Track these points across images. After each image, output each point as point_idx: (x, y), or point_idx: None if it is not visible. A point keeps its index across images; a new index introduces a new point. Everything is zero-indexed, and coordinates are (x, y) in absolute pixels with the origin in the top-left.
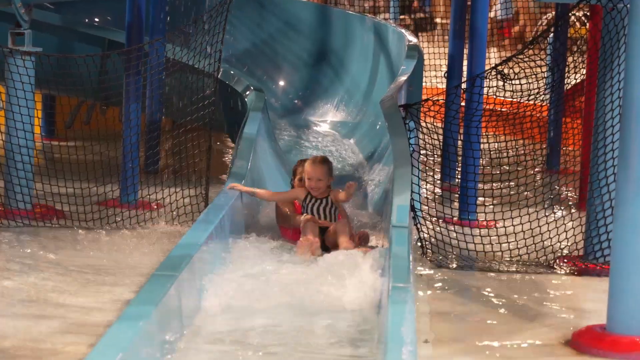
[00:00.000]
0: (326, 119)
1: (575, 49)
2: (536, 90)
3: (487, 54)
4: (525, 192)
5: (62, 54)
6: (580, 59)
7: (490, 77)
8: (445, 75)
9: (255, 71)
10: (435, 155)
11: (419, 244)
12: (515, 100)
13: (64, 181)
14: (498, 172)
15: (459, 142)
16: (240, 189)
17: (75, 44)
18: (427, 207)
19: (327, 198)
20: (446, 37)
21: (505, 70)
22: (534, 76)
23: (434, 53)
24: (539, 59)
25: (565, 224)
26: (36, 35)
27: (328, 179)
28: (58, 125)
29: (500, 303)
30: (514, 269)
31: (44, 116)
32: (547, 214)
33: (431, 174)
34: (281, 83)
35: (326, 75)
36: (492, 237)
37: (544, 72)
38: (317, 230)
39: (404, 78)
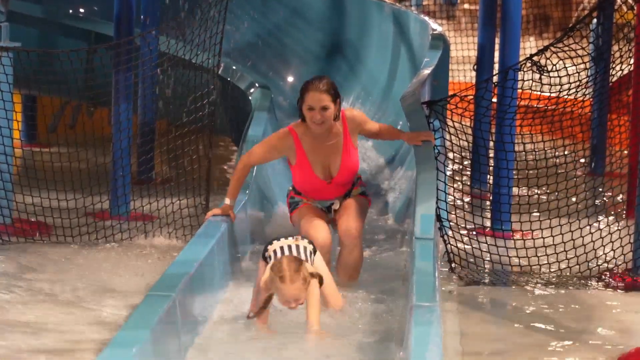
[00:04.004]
0: None
1: (621, 37)
2: (577, 84)
3: (521, 44)
4: (566, 199)
5: (44, 50)
6: (627, 47)
7: (525, 69)
8: (474, 67)
9: (260, 66)
10: (464, 158)
11: (447, 257)
12: (553, 95)
13: (47, 192)
14: (535, 176)
15: (491, 143)
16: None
17: (59, 37)
18: (454, 217)
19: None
20: (475, 25)
21: (542, 61)
22: (574, 68)
23: (462, 43)
24: (580, 48)
25: (611, 234)
26: (14, 28)
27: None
28: (40, 129)
29: (539, 322)
30: (553, 284)
31: (24, 119)
32: (590, 222)
33: (459, 179)
34: (289, 79)
35: (340, 70)
36: (528, 249)
37: (586, 62)
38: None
39: (427, 71)
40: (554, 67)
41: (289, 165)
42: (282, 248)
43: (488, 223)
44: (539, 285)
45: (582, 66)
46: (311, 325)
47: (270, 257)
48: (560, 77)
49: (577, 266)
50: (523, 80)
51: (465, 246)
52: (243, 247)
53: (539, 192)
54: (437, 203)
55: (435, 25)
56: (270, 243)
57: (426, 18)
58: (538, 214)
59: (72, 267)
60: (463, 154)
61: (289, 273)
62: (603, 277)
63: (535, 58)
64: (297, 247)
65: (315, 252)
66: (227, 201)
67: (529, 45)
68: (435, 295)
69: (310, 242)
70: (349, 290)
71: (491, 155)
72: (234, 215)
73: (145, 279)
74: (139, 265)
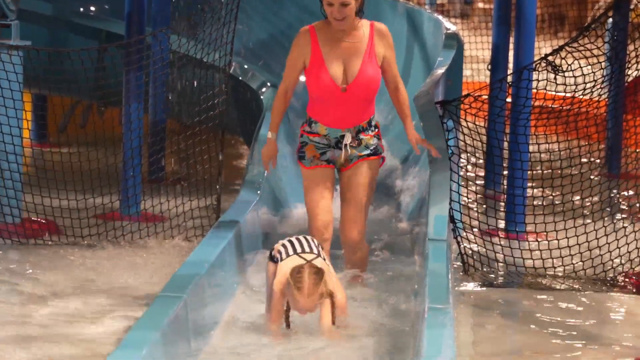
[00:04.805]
0: None
1: (637, 36)
2: (592, 84)
3: (536, 43)
4: (581, 200)
5: (54, 49)
6: None
7: (539, 69)
8: (489, 67)
9: (272, 65)
10: (478, 159)
11: (460, 259)
12: (568, 95)
13: (57, 192)
14: (549, 177)
15: (505, 144)
16: None
17: (69, 36)
18: (468, 218)
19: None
20: (489, 24)
21: (557, 61)
22: (589, 67)
23: (476, 42)
24: (595, 47)
25: (627, 235)
26: (24, 27)
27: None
28: (50, 129)
29: (553, 325)
30: (569, 287)
31: (34, 119)
32: (606, 224)
33: (473, 179)
34: (301, 78)
35: None
36: (543, 251)
37: (601, 62)
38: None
39: (441, 71)
40: (569, 67)
41: (304, 72)
42: (291, 241)
43: (502, 224)
44: (554, 287)
45: (597, 66)
46: (325, 325)
47: (276, 256)
48: (575, 77)
49: (592, 268)
50: (538, 80)
51: (479, 247)
52: (254, 248)
53: (553, 193)
54: (450, 204)
55: (449, 24)
56: (276, 243)
57: (440, 17)
58: (552, 215)
59: (82, 268)
60: (477, 154)
61: (308, 286)
62: (619, 279)
63: (550, 58)
64: (307, 239)
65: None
66: (270, 135)
67: (543, 45)
68: (448, 298)
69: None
70: (360, 292)
71: (505, 155)
72: (276, 148)
73: (156, 279)
74: (149, 266)
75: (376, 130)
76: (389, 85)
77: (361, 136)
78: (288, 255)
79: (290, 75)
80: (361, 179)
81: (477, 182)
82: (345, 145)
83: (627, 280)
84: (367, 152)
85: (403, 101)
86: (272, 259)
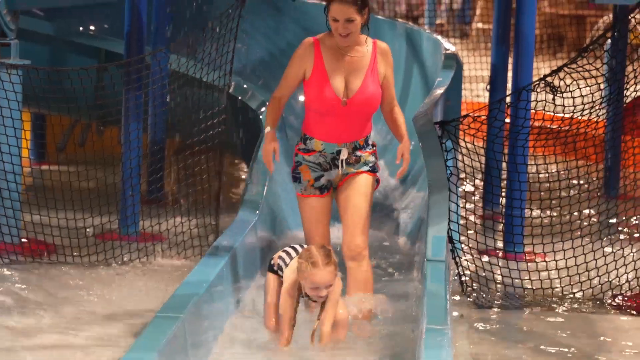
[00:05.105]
0: None
1: (635, 57)
2: (591, 105)
3: (535, 64)
4: (580, 221)
5: (54, 67)
6: None
7: (538, 90)
8: (488, 87)
9: (271, 85)
10: (476, 179)
11: (458, 280)
12: (567, 115)
13: (56, 211)
14: (548, 198)
15: (503, 164)
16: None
17: (69, 55)
18: (466, 238)
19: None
20: (488, 44)
21: (556, 82)
22: (588, 88)
23: (475, 62)
24: (594, 68)
25: (625, 257)
26: (24, 45)
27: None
28: (49, 147)
29: (551, 347)
30: (567, 308)
31: (33, 138)
32: (604, 245)
33: (472, 200)
34: (300, 98)
35: None
36: (541, 272)
37: (599, 83)
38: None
39: (440, 91)
40: (568, 87)
41: (303, 84)
42: (288, 251)
43: (500, 245)
44: (552, 308)
45: (596, 87)
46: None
47: (278, 263)
48: (574, 97)
49: (590, 289)
50: (536, 100)
51: (477, 268)
52: (253, 268)
53: (552, 213)
54: (449, 224)
55: (448, 45)
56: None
57: (439, 37)
58: (551, 235)
59: (80, 288)
60: (475, 174)
61: (321, 258)
62: (617, 300)
63: (548, 78)
64: (303, 247)
65: None
66: (267, 129)
67: (542, 66)
68: (446, 318)
69: None
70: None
71: (504, 176)
72: (276, 140)
73: (154, 299)
74: (147, 285)
75: (373, 148)
76: (384, 106)
77: (358, 153)
78: (291, 259)
79: (288, 84)
80: (361, 188)
81: (476, 202)
82: (342, 161)
83: (625, 301)
84: (365, 168)
85: (399, 121)
86: (272, 269)
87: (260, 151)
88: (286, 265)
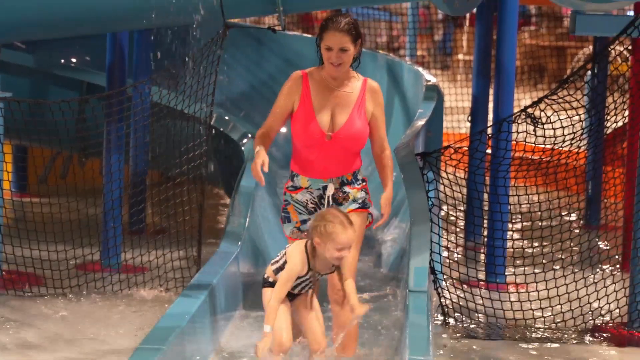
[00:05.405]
0: None
1: (615, 88)
2: (572, 136)
3: (515, 95)
4: (561, 251)
5: (35, 100)
6: (621, 99)
7: (519, 121)
8: (469, 119)
9: (253, 116)
10: (458, 210)
11: (440, 310)
12: (548, 146)
13: (37, 243)
14: (529, 228)
15: (485, 195)
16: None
17: (50, 87)
18: (448, 269)
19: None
20: (469, 76)
21: (536, 113)
22: (569, 119)
23: (456, 94)
24: (574, 99)
25: (606, 287)
26: (5, 78)
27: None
28: (31, 179)
29: None
30: (549, 338)
31: (14, 169)
32: (585, 275)
33: (453, 231)
34: (282, 129)
35: None
36: (523, 302)
37: (580, 114)
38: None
39: (421, 123)
40: (549, 119)
41: (290, 118)
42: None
43: (482, 275)
44: (534, 338)
45: (576, 118)
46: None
47: (275, 266)
48: (554, 128)
49: (572, 319)
50: (517, 131)
51: (460, 299)
52: (235, 299)
53: (533, 244)
54: (430, 255)
55: (429, 76)
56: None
57: (420, 68)
58: (533, 266)
59: (62, 320)
60: (457, 205)
61: (345, 217)
62: (598, 330)
63: (529, 110)
64: None
65: None
66: (258, 148)
67: (523, 97)
68: (428, 349)
69: None
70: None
71: (485, 207)
72: (265, 155)
73: (136, 331)
74: (129, 318)
75: (363, 183)
76: (374, 146)
77: (346, 189)
78: (282, 257)
79: (276, 118)
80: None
81: (458, 233)
82: (328, 197)
83: (607, 331)
84: (355, 205)
85: (387, 168)
86: (267, 283)
87: (249, 166)
88: (282, 256)
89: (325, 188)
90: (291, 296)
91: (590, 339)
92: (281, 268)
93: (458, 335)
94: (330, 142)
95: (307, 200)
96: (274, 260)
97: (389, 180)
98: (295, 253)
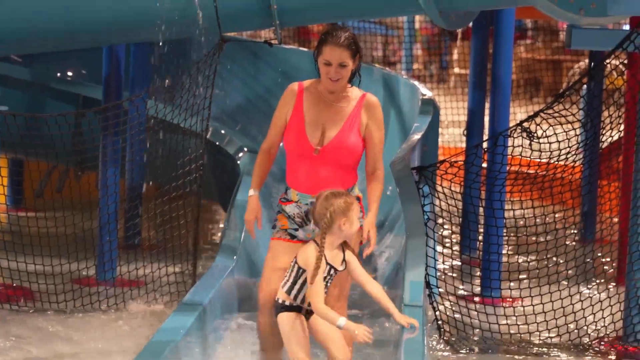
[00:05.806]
0: None
1: (611, 102)
2: (567, 150)
3: (511, 108)
4: (556, 265)
5: (31, 114)
6: (617, 113)
7: (515, 135)
8: (464, 133)
9: (249, 130)
10: (454, 224)
11: (436, 325)
12: (543, 161)
13: (33, 257)
14: (525, 242)
15: (480, 209)
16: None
17: (46, 101)
18: (444, 283)
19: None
20: (465, 89)
21: (532, 127)
22: (564, 133)
23: (452, 108)
24: (570, 114)
25: (601, 301)
26: (1, 91)
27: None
28: (26, 193)
29: None
30: (544, 352)
31: (10, 184)
32: (581, 289)
33: (449, 245)
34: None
35: None
36: (518, 317)
37: (576, 128)
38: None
39: (417, 137)
40: (544, 133)
41: (284, 129)
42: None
43: (478, 290)
44: (529, 353)
45: (572, 132)
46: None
47: (281, 298)
48: (550, 143)
49: (568, 334)
50: (513, 146)
51: (455, 313)
52: (230, 313)
53: (528, 258)
54: (426, 269)
55: (425, 90)
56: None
57: (416, 82)
58: (528, 280)
59: (57, 335)
60: (453, 219)
61: (328, 192)
62: (594, 345)
63: (525, 124)
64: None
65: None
66: (251, 192)
67: (519, 110)
68: None
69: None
70: None
71: (481, 221)
72: (259, 207)
73: (131, 346)
74: (124, 332)
75: (359, 200)
76: (366, 164)
77: None
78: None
79: (275, 132)
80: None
81: (453, 247)
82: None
83: (601, 345)
84: None
85: (375, 192)
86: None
87: (244, 215)
88: (291, 280)
89: (312, 204)
90: (307, 314)
91: (586, 353)
92: (293, 284)
93: (453, 349)
94: (318, 156)
95: (295, 214)
96: (282, 283)
97: (373, 203)
98: (308, 252)
